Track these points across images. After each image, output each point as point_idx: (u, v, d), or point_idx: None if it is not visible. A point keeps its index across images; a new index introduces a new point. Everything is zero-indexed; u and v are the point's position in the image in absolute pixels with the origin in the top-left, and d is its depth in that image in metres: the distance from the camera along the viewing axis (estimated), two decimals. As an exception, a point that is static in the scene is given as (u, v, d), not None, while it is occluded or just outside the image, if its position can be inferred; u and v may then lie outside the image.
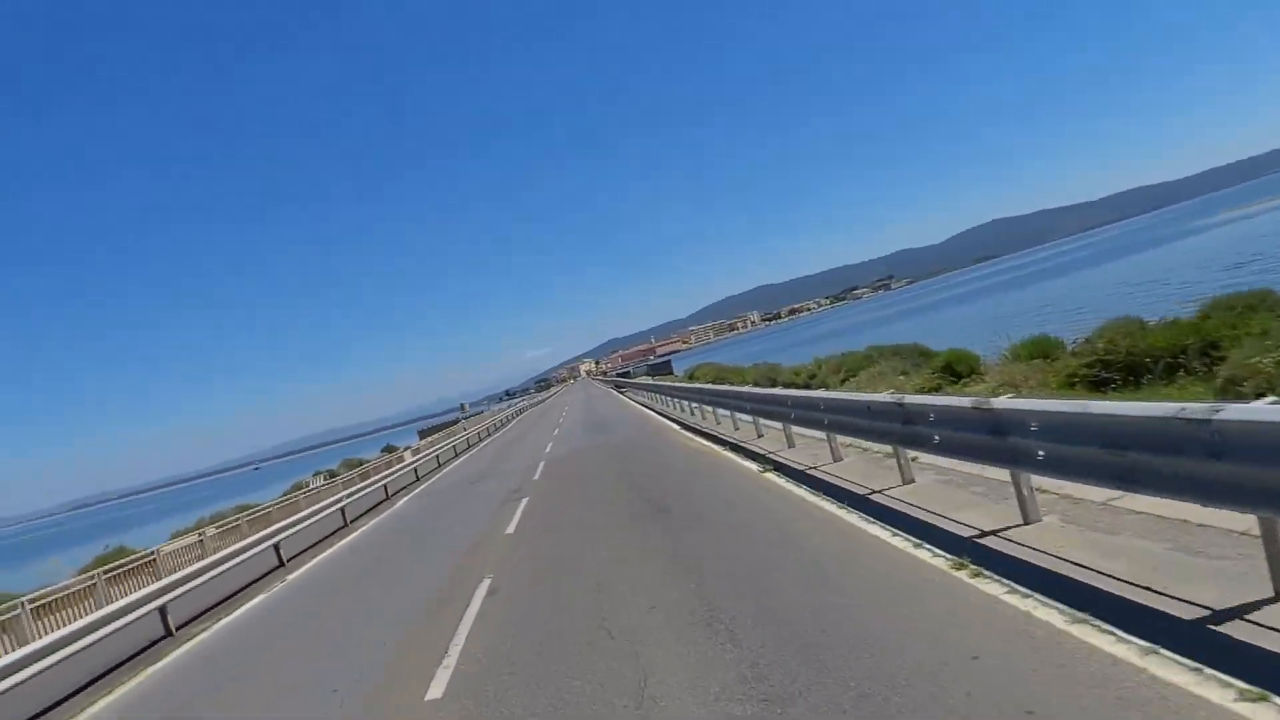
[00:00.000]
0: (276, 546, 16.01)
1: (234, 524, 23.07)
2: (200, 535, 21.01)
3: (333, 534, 18.96)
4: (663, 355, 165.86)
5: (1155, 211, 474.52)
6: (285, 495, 33.67)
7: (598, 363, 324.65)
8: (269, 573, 15.31)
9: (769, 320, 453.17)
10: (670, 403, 32.83)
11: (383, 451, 66.07)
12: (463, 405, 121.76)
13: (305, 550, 17.29)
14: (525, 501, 15.20)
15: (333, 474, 51.14)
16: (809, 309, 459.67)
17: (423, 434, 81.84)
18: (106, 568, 16.50)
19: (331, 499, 21.16)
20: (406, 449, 47.00)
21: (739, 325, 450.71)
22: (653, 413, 33.37)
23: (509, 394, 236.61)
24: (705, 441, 18.24)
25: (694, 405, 25.48)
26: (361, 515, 21.64)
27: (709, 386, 26.69)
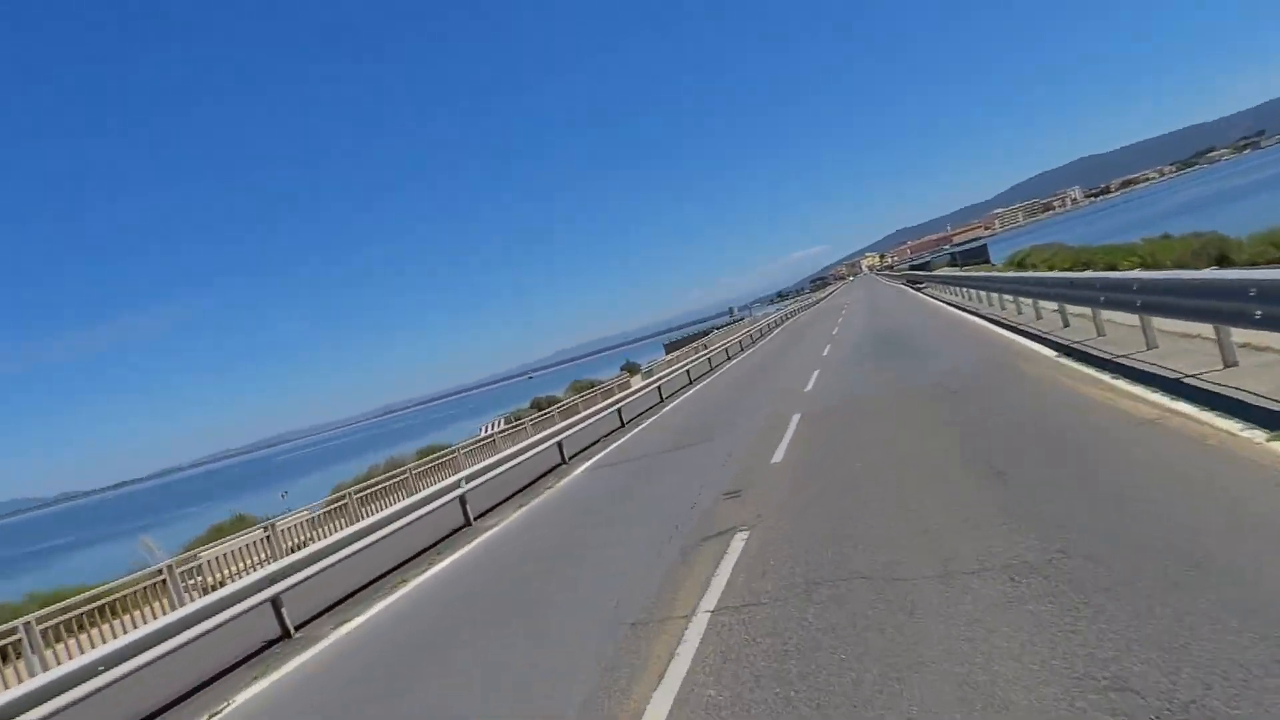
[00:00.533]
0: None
1: (519, 426, 25.43)
2: (491, 433, 27.35)
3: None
4: (960, 244, 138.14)
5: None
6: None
7: (882, 256, 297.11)
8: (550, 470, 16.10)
9: (1093, 196, 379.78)
10: (1006, 303, 21.40)
11: (621, 370, 60.79)
12: (731, 310, 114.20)
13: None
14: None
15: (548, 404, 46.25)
16: (1148, 179, 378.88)
17: (669, 347, 75.20)
18: (418, 464, 19.97)
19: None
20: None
21: (1055, 205, 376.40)
22: (986, 322, 20.23)
23: (780, 295, 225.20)
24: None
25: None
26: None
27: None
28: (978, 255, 75.36)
